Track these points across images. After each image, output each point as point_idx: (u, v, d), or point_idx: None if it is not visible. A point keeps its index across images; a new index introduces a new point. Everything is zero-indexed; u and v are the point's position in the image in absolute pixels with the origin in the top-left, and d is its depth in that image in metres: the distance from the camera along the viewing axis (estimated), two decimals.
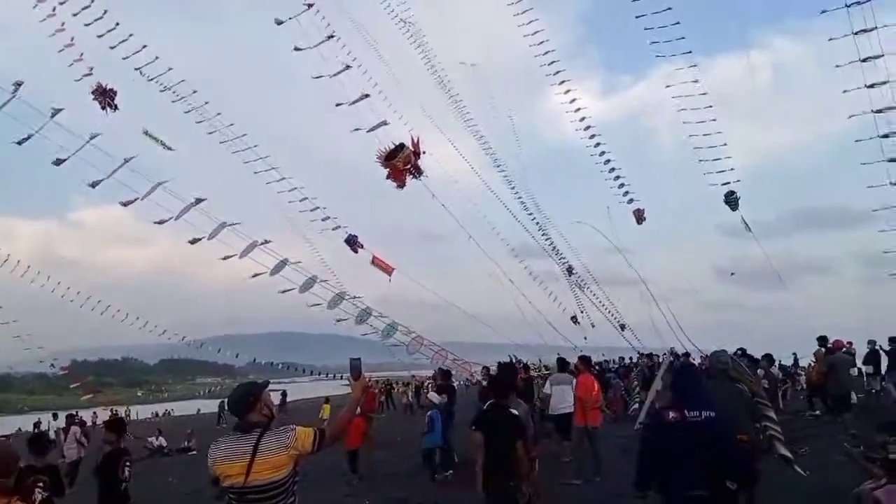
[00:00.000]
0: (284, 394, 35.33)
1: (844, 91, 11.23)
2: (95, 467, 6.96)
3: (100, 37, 13.63)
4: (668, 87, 14.34)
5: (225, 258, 13.47)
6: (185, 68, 14.48)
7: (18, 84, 13.43)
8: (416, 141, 13.53)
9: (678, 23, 13.17)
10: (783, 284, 19.32)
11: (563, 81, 16.59)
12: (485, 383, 12.98)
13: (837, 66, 11.49)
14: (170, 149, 15.29)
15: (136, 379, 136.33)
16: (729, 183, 15.32)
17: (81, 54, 14.03)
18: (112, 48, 13.72)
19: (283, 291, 13.65)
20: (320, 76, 13.07)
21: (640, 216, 19.99)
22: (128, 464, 6.84)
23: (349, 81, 13.20)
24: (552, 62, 16.34)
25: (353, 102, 13.08)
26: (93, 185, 13.83)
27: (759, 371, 11.98)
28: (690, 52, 13.67)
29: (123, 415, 35.87)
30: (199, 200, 13.62)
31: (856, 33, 11.08)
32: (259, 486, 3.42)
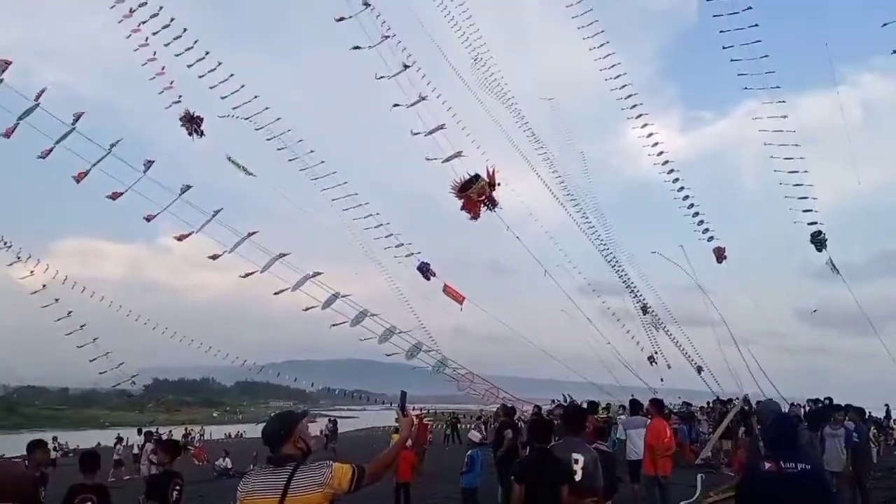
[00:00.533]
0: (334, 422, 33.16)
1: None
2: (146, 488, 6.87)
3: (189, 66, 14.16)
4: (755, 119, 13.78)
5: (277, 293, 13.61)
6: (264, 101, 14.91)
7: (149, 162, 13.82)
8: (491, 172, 13.42)
9: (767, 56, 12.69)
10: (873, 330, 18.03)
11: (640, 115, 16.25)
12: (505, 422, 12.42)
13: None
14: (251, 174, 15.70)
15: (212, 399, 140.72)
16: (816, 223, 14.50)
17: (172, 82, 14.62)
18: (201, 77, 14.23)
19: (334, 325, 13.66)
20: (397, 105, 13.21)
21: (720, 254, 19.23)
22: (177, 487, 6.66)
23: (425, 112, 13.30)
24: (629, 96, 16.08)
25: (430, 132, 13.12)
26: (147, 220, 14.14)
27: (848, 423, 11.14)
28: (779, 86, 13.10)
29: (197, 434, 36.79)
30: (282, 255, 13.81)
31: None
32: None
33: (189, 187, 13.34)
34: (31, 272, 15.10)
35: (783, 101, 13.28)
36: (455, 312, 15.64)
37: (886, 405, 20.75)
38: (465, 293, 15.90)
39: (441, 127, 13.14)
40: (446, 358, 14.44)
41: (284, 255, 13.30)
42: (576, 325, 19.98)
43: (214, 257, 14.09)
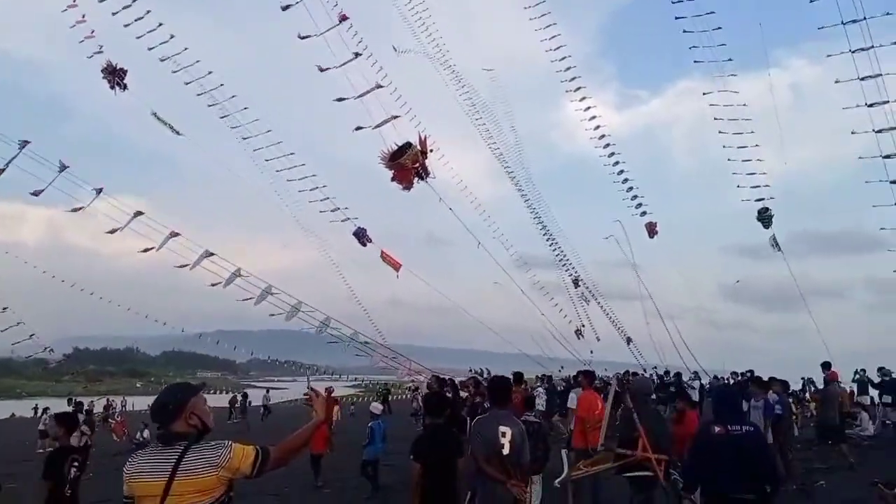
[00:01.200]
0: (245, 395, 32.57)
1: (845, 108, 10.99)
2: (43, 466, 6.22)
3: (114, 14, 13.25)
4: (704, 94, 13.98)
5: (180, 266, 13.28)
6: (197, 56, 14.06)
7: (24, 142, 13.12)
8: (423, 139, 12.77)
9: (720, 27, 12.79)
10: (801, 305, 18.75)
11: (578, 88, 16.32)
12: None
13: (837, 81, 11.30)
14: (178, 133, 15.01)
15: (137, 369, 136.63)
16: (763, 199, 14.82)
17: (93, 31, 13.70)
18: (126, 26, 13.35)
19: (242, 300, 13.38)
20: (327, 69, 12.57)
21: (651, 229, 19.65)
22: (75, 463, 6.18)
23: (359, 77, 12.70)
24: (569, 68, 16.07)
25: (360, 96, 12.46)
26: (35, 194, 13.46)
27: (772, 395, 11.44)
28: (731, 59, 13.22)
29: (119, 405, 35.50)
30: (174, 234, 13.46)
31: (853, 51, 10.79)
32: None
33: (27, 142, 12.91)
34: None
35: (734, 75, 13.37)
36: (391, 283, 15.41)
37: (803, 378, 21.62)
38: (401, 261, 15.71)
39: (375, 88, 12.45)
40: (329, 318, 14.26)
41: (176, 234, 13.37)
42: (509, 297, 20.07)
43: (113, 231, 13.57)
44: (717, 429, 5.35)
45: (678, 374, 21.56)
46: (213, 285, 13.19)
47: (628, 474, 7.10)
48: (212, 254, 13.25)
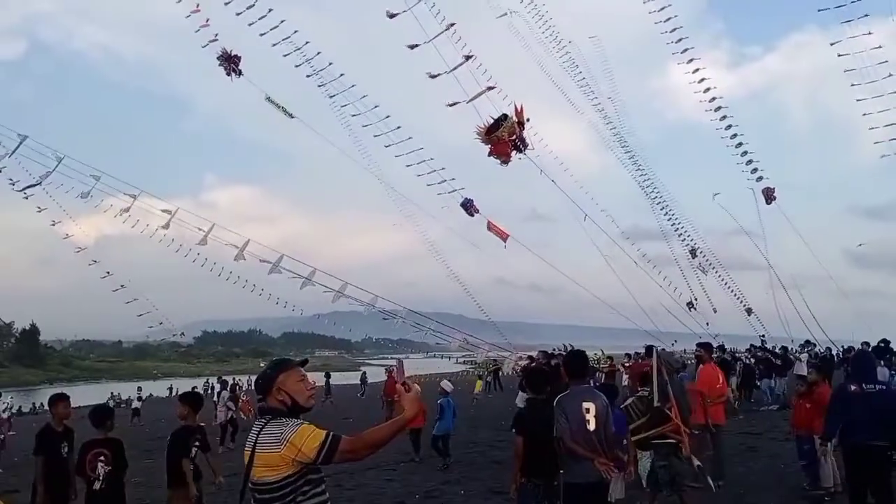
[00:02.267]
0: (328, 375, 33.21)
1: None
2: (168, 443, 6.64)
3: (226, 4, 13.60)
4: (832, 44, 12.67)
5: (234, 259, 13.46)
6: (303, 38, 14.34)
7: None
8: (518, 109, 12.07)
9: None
10: None
11: (685, 50, 15.31)
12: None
13: None
14: (292, 116, 15.31)
15: (260, 349, 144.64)
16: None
17: (207, 19, 14.14)
18: (238, 14, 13.65)
19: (302, 286, 13.53)
20: (416, 45, 12.37)
21: (769, 195, 18.51)
22: (197, 442, 6.48)
23: (450, 50, 12.43)
24: (674, 29, 15.11)
25: (453, 70, 12.06)
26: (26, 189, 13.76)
27: None
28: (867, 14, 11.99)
29: (245, 384, 37.73)
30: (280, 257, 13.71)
31: None
32: (258, 486, 2.89)
33: (26, 137, 12.97)
34: (66, 235, 14.91)
35: (866, 15, 12.07)
36: (497, 259, 15.25)
37: None
38: (509, 232, 15.54)
39: (466, 60, 12.11)
40: (376, 297, 14.21)
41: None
42: (616, 272, 19.44)
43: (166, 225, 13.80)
44: (852, 387, 6.29)
45: (784, 347, 20.50)
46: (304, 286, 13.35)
47: (656, 441, 7.09)
48: (309, 279, 13.48)
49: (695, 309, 22.01)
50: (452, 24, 11.87)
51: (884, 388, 6.23)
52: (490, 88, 12.42)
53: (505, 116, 12.15)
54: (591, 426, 5.41)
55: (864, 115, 12.59)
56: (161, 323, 17.31)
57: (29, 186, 13.60)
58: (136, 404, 32.52)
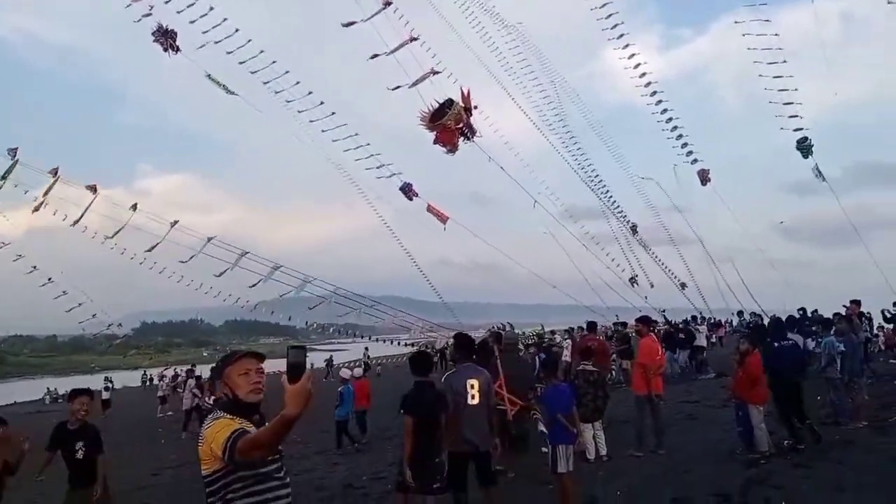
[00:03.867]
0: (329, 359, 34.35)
1: None
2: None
3: None
4: (743, 34, 13.16)
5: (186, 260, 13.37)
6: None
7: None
8: (465, 94, 11.83)
9: None
10: (852, 240, 17.99)
11: (621, 35, 15.49)
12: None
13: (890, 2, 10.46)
14: (233, 93, 14.94)
15: (202, 340, 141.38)
16: (801, 129, 14.09)
17: (151, 7, 13.57)
18: (166, 2, 13.19)
19: (252, 286, 13.58)
20: (351, 23, 12.04)
21: (704, 177, 19.05)
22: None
23: (391, 33, 12.20)
24: (610, 15, 15.26)
25: (393, 51, 11.79)
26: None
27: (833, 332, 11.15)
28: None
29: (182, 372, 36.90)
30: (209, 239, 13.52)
31: None
32: (203, 479, 2.84)
33: (16, 149, 13.02)
34: None
35: (767, 20, 12.71)
36: (445, 241, 15.27)
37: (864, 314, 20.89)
38: (448, 214, 15.54)
39: (408, 42, 11.71)
40: (337, 288, 14.32)
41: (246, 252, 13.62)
42: (558, 250, 19.71)
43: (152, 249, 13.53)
44: (775, 344, 9.60)
45: (685, 321, 21.61)
46: (219, 274, 13.26)
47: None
48: (246, 252, 13.32)
49: (637, 284, 22.59)
50: (389, 3, 11.66)
51: (793, 342, 10.02)
52: (435, 73, 12.25)
53: (451, 102, 11.86)
54: (475, 400, 6.15)
55: (770, 102, 13.22)
56: (95, 315, 16.76)
57: None
58: (105, 395, 30.92)
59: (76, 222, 13.60)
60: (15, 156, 13.19)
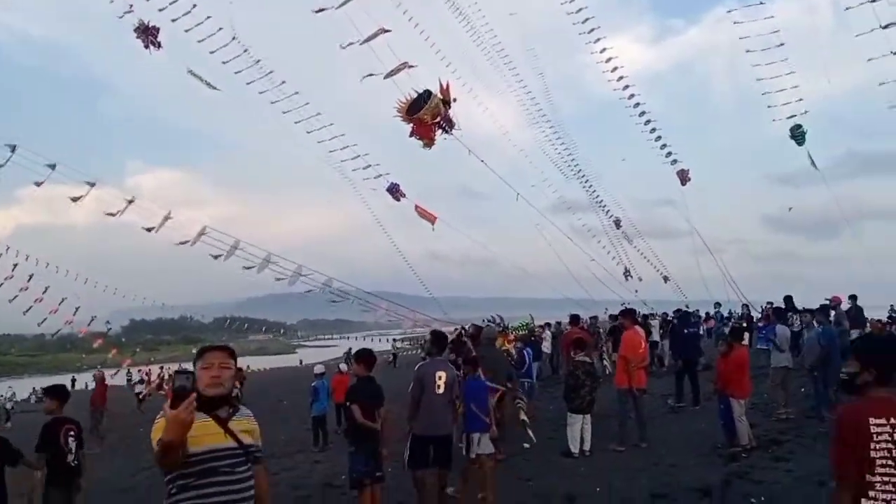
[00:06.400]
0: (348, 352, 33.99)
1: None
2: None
3: None
4: (735, 23, 13.07)
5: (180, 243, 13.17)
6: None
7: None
8: (444, 86, 11.54)
9: None
10: (847, 230, 18.15)
11: (592, 30, 15.31)
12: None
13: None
14: (215, 88, 14.79)
15: (192, 337, 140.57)
16: (794, 115, 14.02)
17: (131, 5, 13.42)
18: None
19: (246, 268, 13.36)
20: (322, 9, 11.60)
21: (683, 177, 19.10)
22: (71, 433, 6.50)
23: (369, 22, 11.92)
24: (580, 9, 15.10)
25: (366, 40, 11.42)
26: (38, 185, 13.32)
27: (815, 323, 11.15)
28: None
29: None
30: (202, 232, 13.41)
31: None
32: None
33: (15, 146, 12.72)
34: None
35: (761, 2, 12.56)
36: (428, 238, 15.19)
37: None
38: (436, 214, 15.40)
39: (380, 32, 11.40)
40: (331, 279, 14.18)
41: (236, 244, 13.00)
42: (549, 244, 19.67)
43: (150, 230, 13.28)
44: (684, 330, 12.92)
45: (645, 315, 21.18)
46: (246, 268, 13.07)
47: None
48: (238, 246, 13.15)
49: (630, 278, 22.63)
50: None
51: (695, 331, 13.83)
52: (410, 66, 12.01)
53: (429, 94, 11.60)
54: (441, 390, 6.77)
55: (763, 93, 13.19)
56: (76, 312, 16.62)
57: None
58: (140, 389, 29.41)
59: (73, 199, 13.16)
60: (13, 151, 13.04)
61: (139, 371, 35.72)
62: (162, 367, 36.69)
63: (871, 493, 2.81)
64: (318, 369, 14.30)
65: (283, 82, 14.16)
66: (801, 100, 13.66)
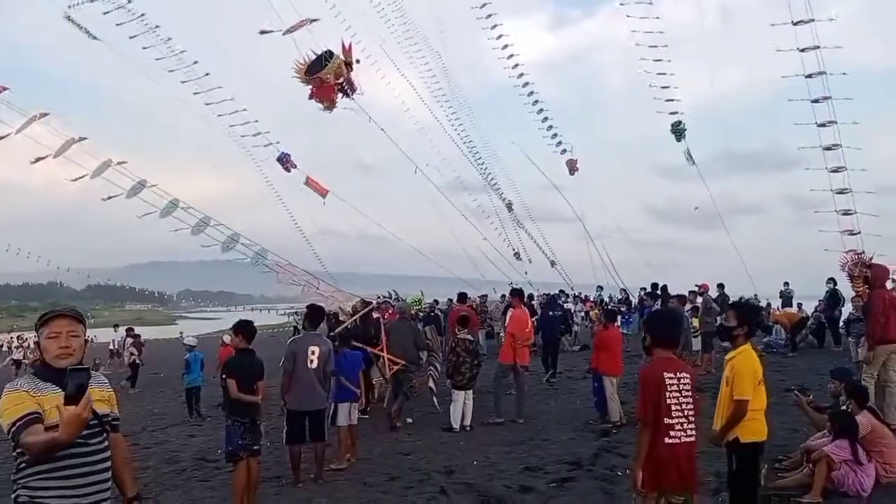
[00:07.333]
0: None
1: (772, 25, 10.71)
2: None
3: None
4: (627, 17, 13.63)
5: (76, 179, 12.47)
6: None
7: None
8: (347, 47, 11.34)
9: None
10: (721, 224, 19.42)
11: (495, 26, 15.61)
12: None
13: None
14: (95, 38, 13.81)
15: (61, 304, 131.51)
16: (676, 113, 14.82)
17: None
18: None
19: (144, 215, 12.79)
20: None
21: (572, 167, 19.81)
22: None
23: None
24: (489, 15, 15.34)
25: None
26: None
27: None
28: None
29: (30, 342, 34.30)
30: (81, 138, 12.54)
31: None
32: None
33: None
34: None
35: (650, 2, 13.20)
36: (319, 211, 14.86)
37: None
38: (328, 188, 15.06)
39: None
40: (265, 250, 13.87)
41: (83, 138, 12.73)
42: (444, 222, 19.78)
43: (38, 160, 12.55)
44: (550, 312, 14.13)
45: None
46: (108, 198, 12.36)
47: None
48: (146, 184, 12.38)
49: (520, 259, 23.17)
50: None
51: (561, 313, 15.66)
52: (311, 20, 11.63)
53: (331, 54, 11.31)
54: (314, 364, 6.96)
55: (650, 86, 13.81)
56: None
57: None
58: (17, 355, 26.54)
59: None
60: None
61: (11, 337, 32.90)
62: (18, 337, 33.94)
63: (672, 433, 3.63)
64: (190, 341, 13.93)
65: (170, 38, 13.47)
66: (679, 100, 14.47)
